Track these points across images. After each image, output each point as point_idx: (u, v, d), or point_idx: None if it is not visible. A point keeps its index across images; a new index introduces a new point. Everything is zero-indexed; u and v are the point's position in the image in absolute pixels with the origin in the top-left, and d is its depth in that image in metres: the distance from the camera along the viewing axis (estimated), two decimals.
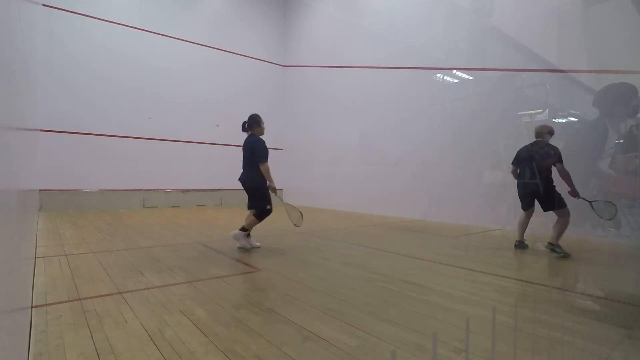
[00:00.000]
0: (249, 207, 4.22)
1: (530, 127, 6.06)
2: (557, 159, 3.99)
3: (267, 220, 4.32)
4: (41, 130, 7.49)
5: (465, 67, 7.16)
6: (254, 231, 4.32)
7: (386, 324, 2.09)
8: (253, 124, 4.25)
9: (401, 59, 8.06)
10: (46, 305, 2.30)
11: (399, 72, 8.13)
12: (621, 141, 4.76)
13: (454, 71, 7.39)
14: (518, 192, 4.40)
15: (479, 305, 2.45)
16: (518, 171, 4.44)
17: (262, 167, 4.02)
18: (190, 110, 9.77)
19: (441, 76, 7.60)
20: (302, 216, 4.25)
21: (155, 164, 9.16)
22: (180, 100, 9.60)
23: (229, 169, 10.49)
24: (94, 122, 8.33)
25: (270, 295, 2.60)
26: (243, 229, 4.10)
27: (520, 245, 4.40)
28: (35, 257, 3.54)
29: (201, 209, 9.12)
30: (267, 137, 4.43)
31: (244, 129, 4.31)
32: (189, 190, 9.73)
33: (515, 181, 4.51)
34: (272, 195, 4.15)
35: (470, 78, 7.29)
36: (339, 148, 9.59)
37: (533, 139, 4.35)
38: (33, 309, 2.24)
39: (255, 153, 4.04)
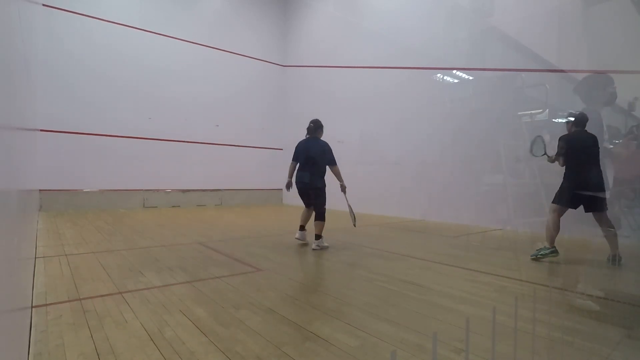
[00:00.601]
0: (309, 205, 4.50)
1: (530, 127, 6.06)
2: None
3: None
4: (41, 130, 7.49)
5: (465, 67, 7.16)
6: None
7: (386, 324, 2.09)
8: (318, 128, 4.53)
9: (401, 59, 8.05)
10: (46, 305, 2.30)
11: (399, 72, 8.13)
12: (621, 141, 4.76)
13: (454, 71, 7.39)
14: (567, 186, 3.72)
15: (479, 305, 2.45)
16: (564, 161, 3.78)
17: (335, 169, 4.40)
18: (190, 110, 9.77)
19: (441, 76, 7.60)
20: (355, 219, 4.49)
21: (155, 164, 9.16)
22: (180, 100, 9.60)
23: (228, 169, 10.55)
24: (94, 122, 8.33)
25: (270, 295, 2.60)
26: (317, 237, 4.27)
27: (554, 252, 3.70)
28: (35, 257, 3.54)
29: (201, 209, 9.12)
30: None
31: (309, 132, 4.53)
32: (189, 190, 9.73)
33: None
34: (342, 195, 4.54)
35: (470, 78, 7.29)
36: (339, 148, 9.56)
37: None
38: (33, 309, 2.24)
39: (326, 156, 4.38)
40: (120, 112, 8.69)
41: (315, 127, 4.51)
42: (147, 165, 9.03)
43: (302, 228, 4.48)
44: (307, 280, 3.01)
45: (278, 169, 10.81)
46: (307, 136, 4.52)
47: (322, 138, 4.52)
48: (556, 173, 4.02)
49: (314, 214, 4.41)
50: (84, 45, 8.20)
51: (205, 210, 8.99)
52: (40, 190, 7.42)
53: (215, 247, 4.30)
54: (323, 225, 4.33)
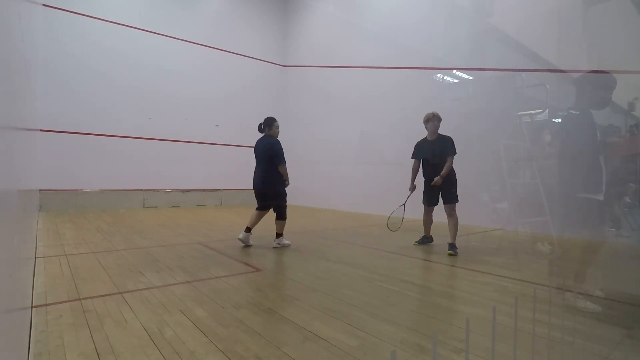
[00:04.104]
0: (262, 208, 4.37)
1: (530, 127, 6.06)
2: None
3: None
4: (41, 130, 7.49)
5: (465, 67, 7.16)
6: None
7: (386, 324, 2.09)
8: (266, 126, 4.40)
9: (401, 59, 8.05)
10: (46, 305, 2.30)
11: (399, 72, 8.13)
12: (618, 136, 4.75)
13: (454, 71, 7.38)
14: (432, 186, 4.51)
15: (479, 305, 2.45)
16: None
17: (281, 169, 4.25)
18: (190, 110, 9.77)
19: (441, 76, 7.60)
20: None
21: (155, 164, 9.15)
22: (180, 100, 9.60)
23: (228, 169, 10.55)
24: (94, 122, 8.33)
25: (270, 295, 2.60)
26: (278, 235, 4.35)
27: (429, 240, 4.74)
28: (35, 257, 3.54)
29: (201, 209, 9.12)
30: None
31: (260, 130, 4.46)
32: (189, 190, 9.73)
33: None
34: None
35: (470, 78, 7.29)
36: (339, 148, 9.58)
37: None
38: (33, 309, 2.24)
39: (273, 155, 4.21)
40: (120, 112, 8.69)
41: (264, 125, 4.42)
42: (147, 165, 9.03)
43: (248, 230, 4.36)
44: (307, 280, 3.01)
45: None
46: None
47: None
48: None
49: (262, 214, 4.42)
50: (84, 45, 8.19)
51: (205, 210, 8.99)
52: (40, 190, 7.42)
53: (215, 247, 4.30)
54: (284, 224, 4.38)
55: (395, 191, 8.23)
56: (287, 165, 4.35)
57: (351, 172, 9.26)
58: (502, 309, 2.38)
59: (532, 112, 6.12)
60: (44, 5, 7.53)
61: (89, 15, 8.27)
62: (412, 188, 4.64)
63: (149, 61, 9.10)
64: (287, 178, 4.33)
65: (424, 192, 4.54)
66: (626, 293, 2.91)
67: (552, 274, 3.62)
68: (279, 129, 4.50)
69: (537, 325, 1.97)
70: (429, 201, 4.53)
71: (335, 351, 1.74)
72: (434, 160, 4.41)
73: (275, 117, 4.54)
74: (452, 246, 4.13)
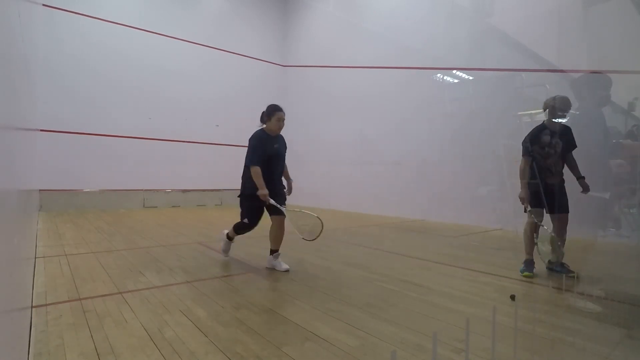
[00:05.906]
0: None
1: (530, 127, 6.05)
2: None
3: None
4: (41, 130, 7.48)
5: (465, 67, 7.16)
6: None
7: (386, 324, 2.09)
8: (263, 116, 3.39)
9: (401, 59, 8.05)
10: (46, 305, 2.30)
11: (399, 72, 8.13)
12: (620, 141, 4.75)
13: (454, 71, 7.38)
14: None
15: (479, 305, 2.45)
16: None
17: (251, 170, 3.26)
18: (190, 110, 9.77)
19: (441, 76, 7.60)
20: (319, 227, 3.01)
21: (155, 164, 9.15)
22: (180, 100, 9.59)
23: (229, 169, 10.53)
24: (94, 122, 8.33)
25: (270, 295, 2.60)
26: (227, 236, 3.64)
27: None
28: (35, 257, 3.54)
29: (201, 209, 9.12)
30: None
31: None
32: (189, 190, 9.73)
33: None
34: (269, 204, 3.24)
35: (470, 78, 7.29)
36: (339, 148, 9.58)
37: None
38: (33, 309, 2.24)
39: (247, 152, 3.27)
40: (120, 112, 8.68)
41: (262, 115, 3.41)
42: (147, 165, 9.03)
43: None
44: (307, 280, 3.01)
45: None
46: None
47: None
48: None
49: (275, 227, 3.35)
50: (84, 45, 8.19)
51: (205, 210, 8.99)
52: (40, 190, 7.42)
53: (215, 247, 4.30)
54: (232, 232, 3.56)
55: (395, 191, 8.26)
56: (288, 165, 3.57)
57: (351, 172, 9.26)
58: (502, 309, 2.38)
59: (532, 112, 6.12)
60: (44, 5, 7.53)
61: (89, 15, 8.27)
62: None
63: (149, 61, 9.10)
64: (261, 187, 3.15)
65: (536, 196, 3.27)
66: (626, 293, 2.91)
67: (552, 274, 3.61)
68: (283, 122, 3.34)
69: (537, 325, 1.97)
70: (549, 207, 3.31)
71: (335, 351, 1.74)
72: (556, 155, 3.31)
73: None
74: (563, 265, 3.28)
